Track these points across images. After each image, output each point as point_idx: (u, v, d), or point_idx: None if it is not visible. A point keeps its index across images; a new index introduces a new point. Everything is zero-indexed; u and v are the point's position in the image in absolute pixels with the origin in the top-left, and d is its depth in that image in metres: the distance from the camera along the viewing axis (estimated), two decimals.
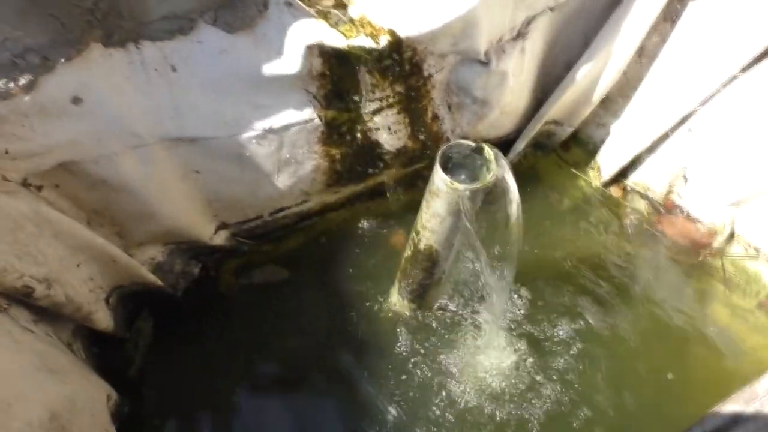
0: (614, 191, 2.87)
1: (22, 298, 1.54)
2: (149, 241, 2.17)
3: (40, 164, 1.65)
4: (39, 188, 1.71)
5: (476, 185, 1.53)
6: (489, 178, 1.54)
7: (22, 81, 1.48)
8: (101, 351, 2.11)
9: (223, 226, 2.35)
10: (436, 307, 2.36)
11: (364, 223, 2.65)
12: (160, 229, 2.10)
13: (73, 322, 1.88)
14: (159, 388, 2.22)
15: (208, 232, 2.29)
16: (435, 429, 2.15)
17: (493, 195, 1.62)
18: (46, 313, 1.71)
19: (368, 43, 1.84)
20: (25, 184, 1.66)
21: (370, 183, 2.51)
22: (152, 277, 2.14)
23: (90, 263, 1.86)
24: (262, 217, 2.41)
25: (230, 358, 2.31)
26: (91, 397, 1.67)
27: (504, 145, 2.81)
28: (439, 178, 1.55)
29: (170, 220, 2.08)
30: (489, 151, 1.58)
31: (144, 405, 2.15)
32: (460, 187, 1.52)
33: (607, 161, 2.82)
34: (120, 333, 2.12)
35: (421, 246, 1.86)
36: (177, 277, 2.36)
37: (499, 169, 1.56)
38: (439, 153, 1.56)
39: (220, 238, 2.36)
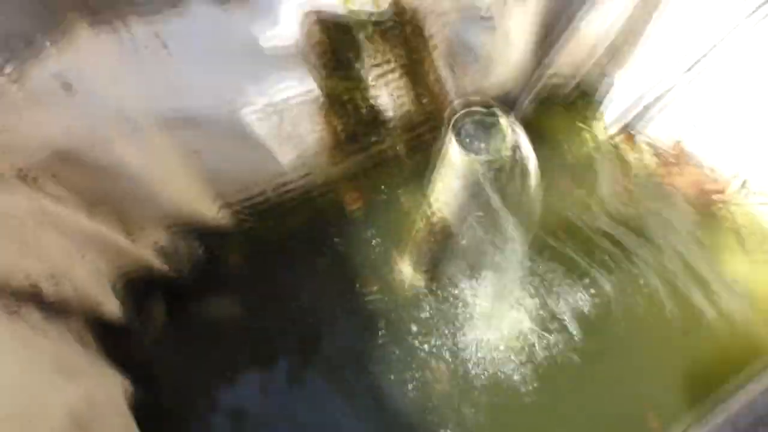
0: (621, 143, 2.80)
1: (31, 298, 1.49)
2: (152, 224, 2.10)
3: (35, 155, 1.58)
4: (36, 180, 1.64)
5: (493, 156, 1.47)
6: (505, 148, 1.48)
7: (8, 69, 1.40)
8: (112, 338, 2.07)
9: (225, 205, 2.28)
10: (447, 275, 2.33)
11: (370, 194, 2.59)
12: (162, 212, 2.04)
13: (82, 314, 1.83)
14: (171, 370, 2.20)
15: (211, 211, 2.23)
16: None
17: (509, 160, 1.56)
18: (56, 309, 1.67)
19: (368, 7, 1.74)
20: (20, 176, 1.59)
21: (373, 151, 2.44)
22: (156, 262, 2.09)
23: (95, 253, 1.81)
24: (265, 193, 2.34)
25: (239, 335, 2.29)
26: (109, 393, 1.64)
27: (508, 100, 2.74)
28: (453, 150, 1.49)
29: (172, 202, 2.02)
30: (502, 116, 1.51)
31: (158, 387, 2.13)
32: (476, 157, 1.46)
33: (613, 112, 2.74)
34: (129, 319, 2.08)
35: (435, 219, 1.82)
36: (182, 259, 2.31)
37: (515, 136, 1.50)
38: (451, 124, 1.50)
39: (224, 217, 2.29)
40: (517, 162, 1.56)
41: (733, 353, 2.22)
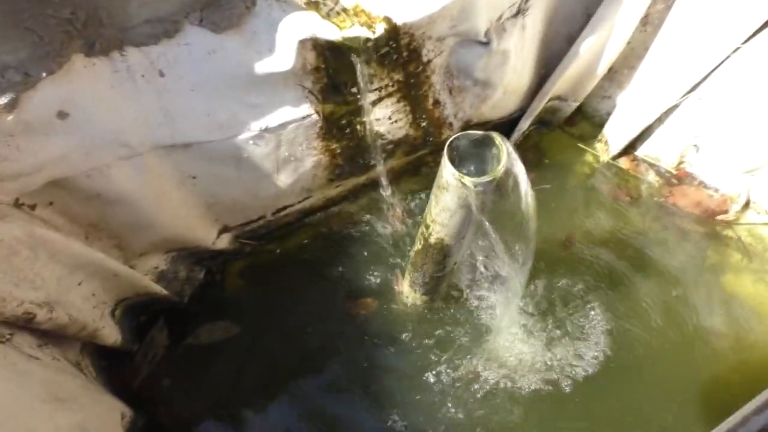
0: (624, 164, 2.79)
1: (24, 325, 1.48)
2: (150, 250, 2.11)
3: (30, 183, 1.58)
4: (32, 207, 1.64)
5: (486, 178, 1.46)
6: (499, 170, 1.47)
7: (4, 100, 1.41)
8: (110, 365, 2.07)
9: (225, 229, 2.29)
10: (447, 295, 2.31)
11: (369, 215, 2.58)
12: (160, 237, 2.04)
13: (79, 340, 1.83)
14: (169, 395, 2.18)
15: (210, 236, 2.23)
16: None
17: (504, 185, 1.55)
18: (51, 335, 1.66)
19: (363, 32, 1.74)
20: (17, 204, 1.60)
21: (372, 174, 2.44)
22: (156, 287, 2.08)
23: (91, 280, 1.81)
24: (265, 217, 2.34)
25: (239, 358, 2.28)
26: (104, 421, 1.62)
27: (508, 124, 2.74)
28: (447, 172, 1.48)
29: (170, 227, 2.02)
30: (498, 141, 1.50)
31: (157, 414, 2.12)
32: (470, 180, 1.45)
33: (615, 134, 2.73)
34: (128, 346, 2.08)
35: (432, 240, 1.80)
36: (182, 284, 2.31)
37: (508, 159, 1.49)
38: (446, 146, 1.49)
39: (223, 242, 2.30)
40: (510, 184, 1.55)
41: (741, 373, 2.18)
